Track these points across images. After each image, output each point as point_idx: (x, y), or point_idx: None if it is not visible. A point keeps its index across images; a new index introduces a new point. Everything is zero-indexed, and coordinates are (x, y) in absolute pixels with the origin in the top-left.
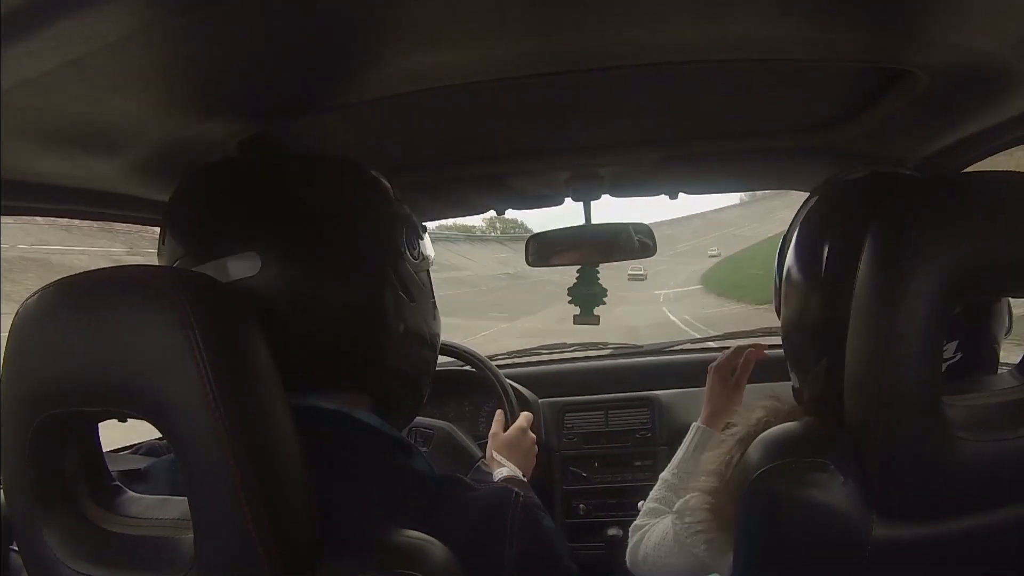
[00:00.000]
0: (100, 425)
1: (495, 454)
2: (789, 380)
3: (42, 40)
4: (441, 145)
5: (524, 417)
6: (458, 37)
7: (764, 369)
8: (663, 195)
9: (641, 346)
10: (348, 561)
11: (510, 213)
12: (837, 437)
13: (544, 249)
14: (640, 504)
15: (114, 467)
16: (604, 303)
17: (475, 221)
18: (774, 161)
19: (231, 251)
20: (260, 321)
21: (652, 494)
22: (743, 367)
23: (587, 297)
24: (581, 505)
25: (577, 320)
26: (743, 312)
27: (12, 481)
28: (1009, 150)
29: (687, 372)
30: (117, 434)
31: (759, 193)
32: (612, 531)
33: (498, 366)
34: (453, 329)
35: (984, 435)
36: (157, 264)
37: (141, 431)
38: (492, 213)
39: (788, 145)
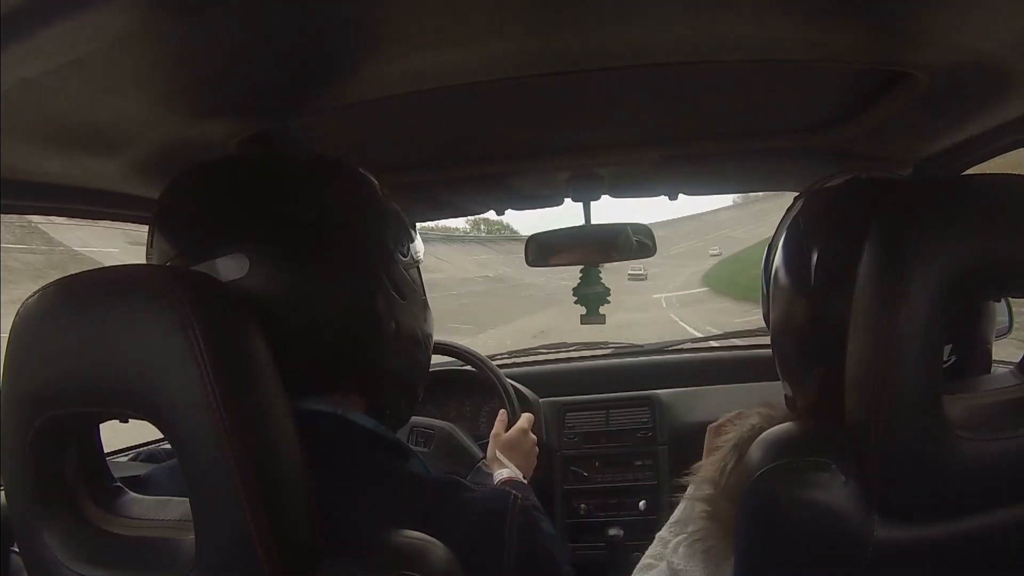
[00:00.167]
0: (103, 427)
1: (496, 454)
2: (775, 379)
3: (42, 40)
4: (441, 145)
5: (525, 418)
6: (458, 37)
7: (757, 370)
8: (663, 196)
9: (642, 345)
10: (348, 562)
11: (496, 215)
12: (837, 437)
13: (544, 249)
14: (641, 504)
15: (113, 474)
16: (608, 302)
17: (458, 222)
18: (774, 162)
19: (219, 252)
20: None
21: (648, 551)
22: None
23: (592, 296)
24: (582, 505)
25: (584, 320)
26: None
27: (13, 482)
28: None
29: (688, 371)
30: (117, 435)
31: (752, 195)
32: (613, 531)
33: (499, 366)
34: None
35: (985, 434)
36: (156, 264)
37: (144, 433)
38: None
39: (788, 145)
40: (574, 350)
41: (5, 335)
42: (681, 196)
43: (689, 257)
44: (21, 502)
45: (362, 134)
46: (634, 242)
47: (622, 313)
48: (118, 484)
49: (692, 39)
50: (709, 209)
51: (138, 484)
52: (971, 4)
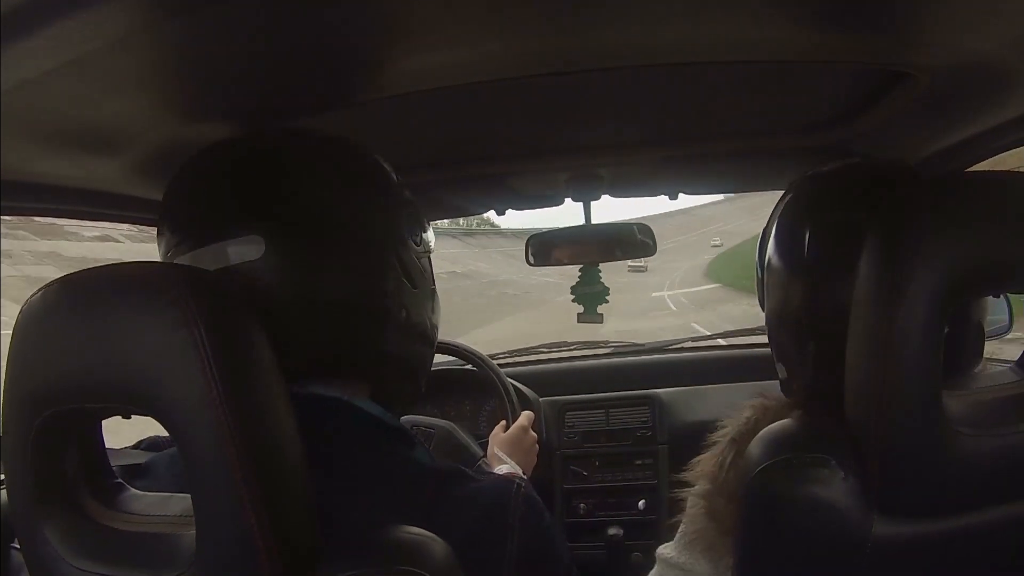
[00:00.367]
0: (105, 423)
1: (496, 451)
2: (775, 378)
3: (42, 40)
4: (441, 145)
5: (525, 416)
6: (458, 37)
7: (758, 368)
8: (663, 195)
9: (642, 344)
10: (349, 558)
11: (496, 215)
12: (837, 433)
13: (544, 248)
14: (640, 503)
15: (115, 462)
16: (607, 301)
17: None
18: (774, 161)
19: (231, 235)
20: (260, 307)
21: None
22: None
23: (590, 296)
24: (581, 504)
25: (581, 319)
26: None
27: (13, 478)
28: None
29: (688, 371)
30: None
31: None
32: (612, 530)
33: (499, 365)
34: None
35: (985, 430)
36: (159, 260)
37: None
38: None
39: (788, 145)
40: (574, 349)
41: (5, 335)
42: (686, 195)
43: (682, 251)
44: (22, 499)
45: (361, 135)
46: (635, 241)
47: (617, 321)
48: (119, 480)
49: (692, 39)
50: (700, 203)
51: (139, 472)
52: (971, 4)
